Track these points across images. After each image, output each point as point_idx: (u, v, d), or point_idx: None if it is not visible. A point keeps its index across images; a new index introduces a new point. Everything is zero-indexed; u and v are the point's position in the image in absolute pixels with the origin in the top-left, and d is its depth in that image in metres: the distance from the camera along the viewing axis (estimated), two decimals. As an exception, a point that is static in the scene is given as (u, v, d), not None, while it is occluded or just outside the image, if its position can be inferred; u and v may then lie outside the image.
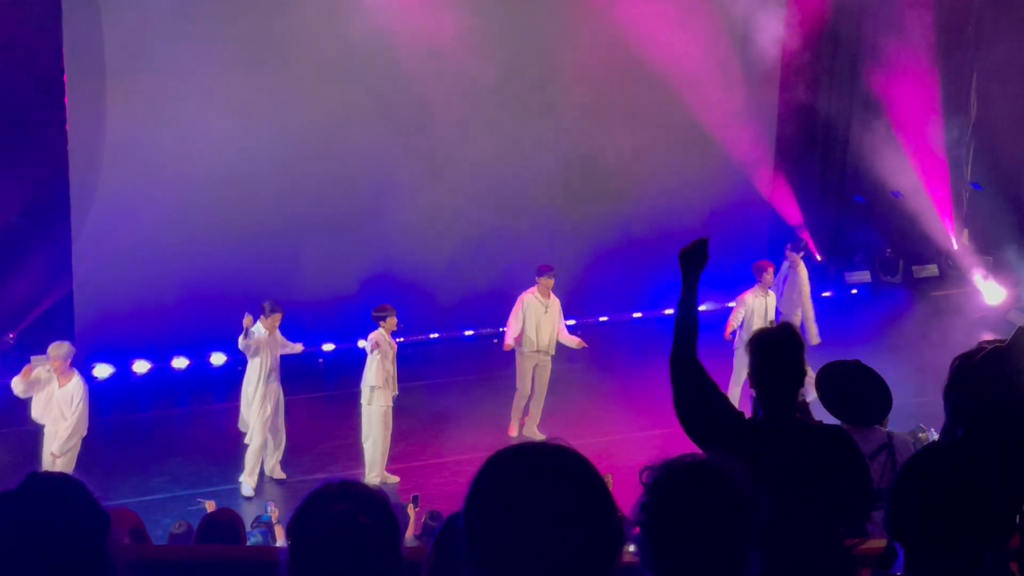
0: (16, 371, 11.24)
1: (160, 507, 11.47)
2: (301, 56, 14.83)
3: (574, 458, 2.33)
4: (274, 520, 10.00)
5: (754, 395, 4.78)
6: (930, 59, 17.57)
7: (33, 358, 11.34)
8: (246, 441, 12.20)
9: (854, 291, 18.56)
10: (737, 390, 12.83)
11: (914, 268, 18.87)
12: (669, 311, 17.24)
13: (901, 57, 17.36)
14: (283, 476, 12.37)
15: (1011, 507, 3.15)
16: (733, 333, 13.74)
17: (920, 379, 11.64)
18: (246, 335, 11.92)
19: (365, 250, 15.48)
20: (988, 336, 12.08)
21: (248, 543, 8.67)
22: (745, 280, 14.54)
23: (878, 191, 18.02)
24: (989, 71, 18.20)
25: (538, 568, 2.22)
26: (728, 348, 13.71)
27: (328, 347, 15.71)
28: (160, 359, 15.08)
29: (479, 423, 13.41)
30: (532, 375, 13.36)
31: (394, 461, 12.53)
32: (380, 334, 12.19)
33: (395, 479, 12.36)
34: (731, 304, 15.08)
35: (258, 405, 12.07)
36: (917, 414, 11.48)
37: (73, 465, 10.96)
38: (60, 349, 11.03)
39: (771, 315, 13.79)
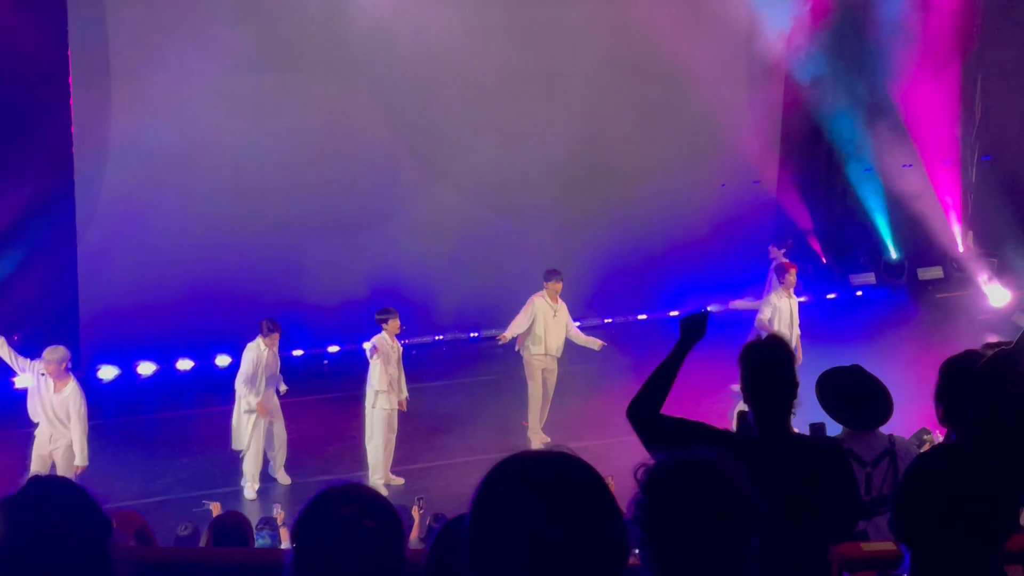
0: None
1: (165, 509, 11.45)
2: (307, 56, 14.85)
3: (579, 467, 2.33)
4: (280, 522, 10.00)
5: (746, 408, 4.77)
6: (935, 60, 17.55)
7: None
8: (241, 456, 12.20)
9: (859, 293, 18.55)
10: None
11: (919, 270, 18.86)
12: (674, 313, 17.27)
13: (906, 57, 17.34)
14: (287, 480, 12.37)
15: (1015, 508, 3.15)
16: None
17: (924, 382, 11.60)
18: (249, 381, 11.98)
19: (370, 251, 15.48)
20: (993, 338, 12.07)
21: (255, 545, 8.68)
22: (751, 279, 14.56)
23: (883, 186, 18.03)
24: (995, 72, 18.18)
25: (544, 574, 2.22)
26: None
27: (333, 349, 15.72)
28: (165, 361, 15.09)
29: (484, 425, 13.41)
30: (542, 379, 13.33)
31: (399, 463, 12.53)
32: (381, 338, 12.17)
33: (400, 481, 12.36)
34: (737, 305, 15.09)
35: (247, 416, 12.06)
36: (921, 417, 11.45)
37: (71, 468, 10.96)
38: (55, 353, 10.96)
39: (795, 317, 13.72)
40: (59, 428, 11.01)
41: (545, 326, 13.20)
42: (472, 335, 16.60)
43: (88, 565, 2.82)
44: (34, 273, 14.09)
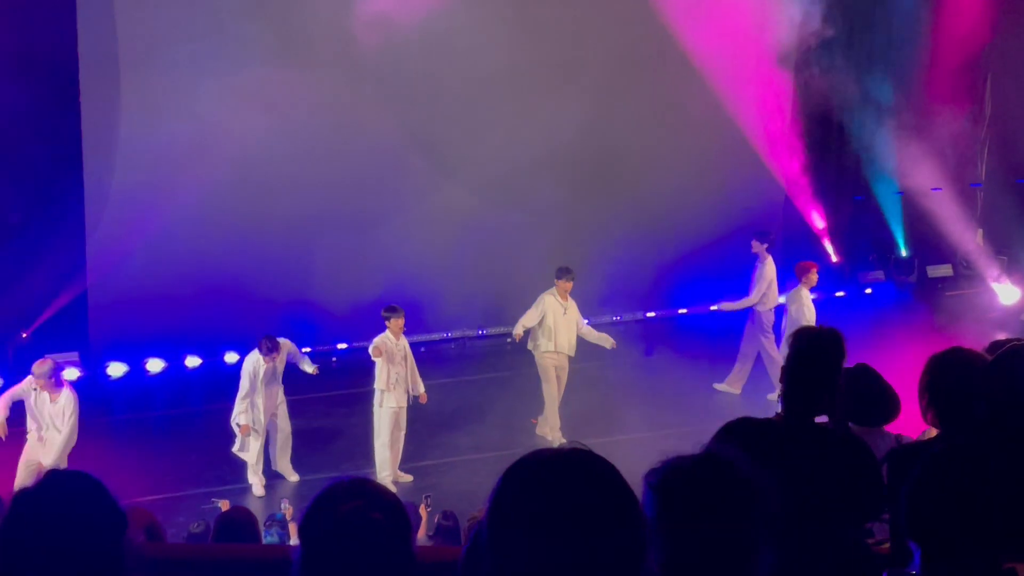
0: (27, 369, 11.26)
1: (174, 505, 11.49)
2: (316, 52, 14.84)
3: (597, 462, 2.32)
4: (288, 518, 10.02)
5: (779, 390, 4.72)
6: (944, 57, 17.50)
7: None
8: (240, 455, 12.22)
9: (868, 290, 18.52)
10: None
11: (928, 268, 18.83)
12: (683, 310, 17.27)
13: (919, 51, 17.29)
14: (295, 477, 12.37)
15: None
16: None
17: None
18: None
19: (379, 248, 15.48)
20: (1002, 336, 12.04)
21: (264, 542, 8.70)
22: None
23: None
24: (1004, 68, 18.13)
25: (565, 572, 2.21)
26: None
27: (341, 346, 15.74)
28: (174, 358, 15.12)
29: (492, 422, 13.42)
30: (556, 377, 13.32)
31: (407, 460, 12.54)
32: (384, 337, 12.16)
33: (408, 478, 12.36)
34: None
35: (247, 413, 12.07)
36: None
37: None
38: (43, 367, 11.01)
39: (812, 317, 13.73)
40: (54, 434, 11.05)
41: (555, 323, 13.18)
42: (480, 332, 16.60)
43: (101, 560, 2.83)
44: (43, 270, 14.11)
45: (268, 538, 9.18)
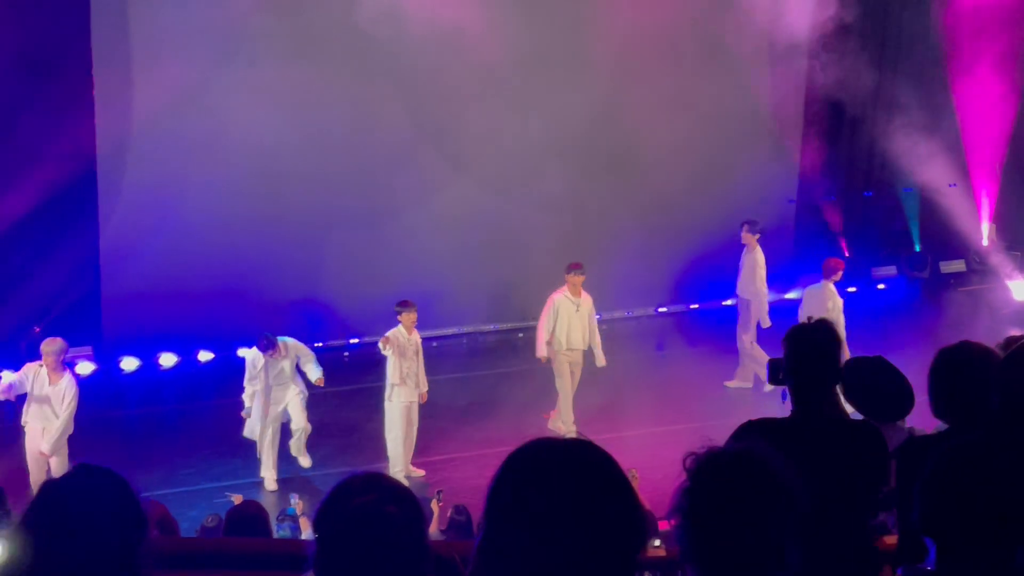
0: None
1: (186, 499, 11.52)
2: (328, 47, 14.86)
3: (596, 453, 2.34)
4: (299, 513, 10.03)
5: (786, 389, 4.77)
6: (959, 52, 17.41)
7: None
8: (249, 437, 12.23)
9: (880, 285, 18.47)
10: None
11: (941, 263, 18.77)
12: (695, 305, 17.24)
13: (924, 51, 17.22)
14: (308, 463, 12.34)
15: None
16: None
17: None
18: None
19: (391, 243, 15.49)
20: (1015, 332, 11.99)
21: (275, 536, 8.72)
22: (774, 272, 14.54)
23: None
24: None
25: (560, 562, 2.23)
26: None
27: (353, 340, 15.76)
28: (186, 352, 15.15)
29: (503, 417, 13.40)
30: (569, 372, 13.29)
31: (419, 455, 12.54)
32: (396, 331, 12.16)
33: (420, 473, 12.36)
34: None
35: (260, 407, 12.09)
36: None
37: (66, 462, 10.98)
38: (53, 345, 11.01)
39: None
40: (52, 421, 11.04)
41: (568, 323, 13.13)
42: (492, 327, 16.60)
43: (119, 559, 2.84)
44: (56, 264, 14.16)
45: (280, 532, 9.21)
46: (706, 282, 16.96)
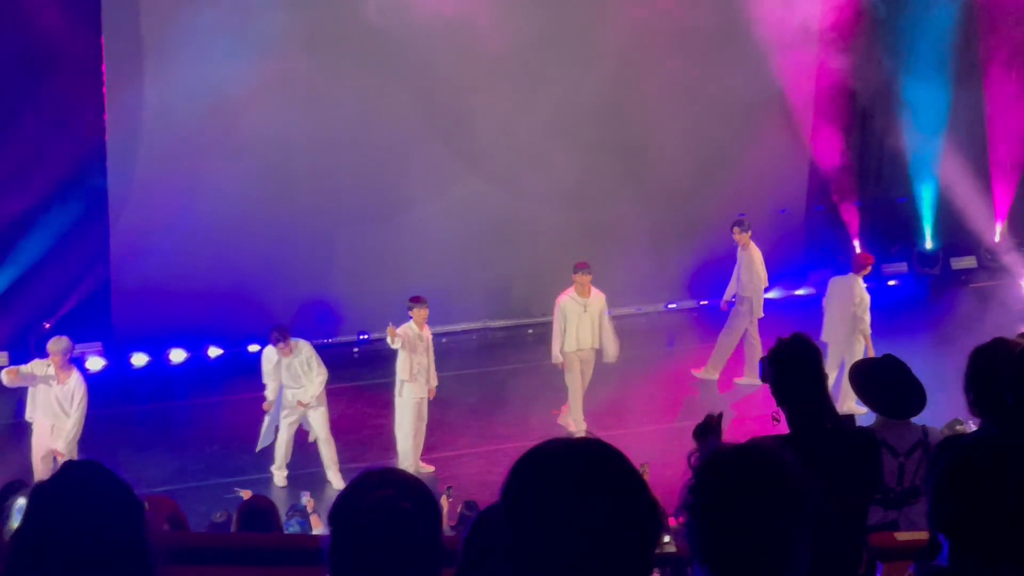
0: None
1: (196, 495, 11.54)
2: (339, 40, 14.83)
3: (609, 452, 2.34)
4: (309, 509, 10.04)
5: (781, 409, 4.78)
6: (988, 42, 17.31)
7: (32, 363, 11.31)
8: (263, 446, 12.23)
9: (892, 282, 18.41)
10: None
11: (952, 259, 18.70)
12: (704, 302, 17.20)
13: (930, 49, 17.14)
14: (339, 483, 11.98)
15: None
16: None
17: (957, 372, 11.49)
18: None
19: (401, 238, 15.48)
20: (1027, 328, 11.96)
21: (285, 531, 8.73)
22: (782, 268, 14.50)
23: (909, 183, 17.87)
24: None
25: (576, 560, 2.23)
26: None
27: (363, 336, 15.75)
28: (196, 348, 15.17)
29: (513, 413, 13.41)
30: (580, 370, 13.28)
31: (428, 451, 12.55)
32: (407, 327, 12.16)
33: (430, 469, 12.37)
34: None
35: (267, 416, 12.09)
36: (953, 407, 11.36)
37: (76, 459, 10.97)
38: (59, 344, 11.02)
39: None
40: (62, 420, 11.04)
41: (576, 325, 13.12)
42: (501, 323, 16.58)
43: (125, 549, 2.83)
44: (66, 259, 14.19)
45: (290, 528, 9.22)
46: (716, 279, 16.89)
